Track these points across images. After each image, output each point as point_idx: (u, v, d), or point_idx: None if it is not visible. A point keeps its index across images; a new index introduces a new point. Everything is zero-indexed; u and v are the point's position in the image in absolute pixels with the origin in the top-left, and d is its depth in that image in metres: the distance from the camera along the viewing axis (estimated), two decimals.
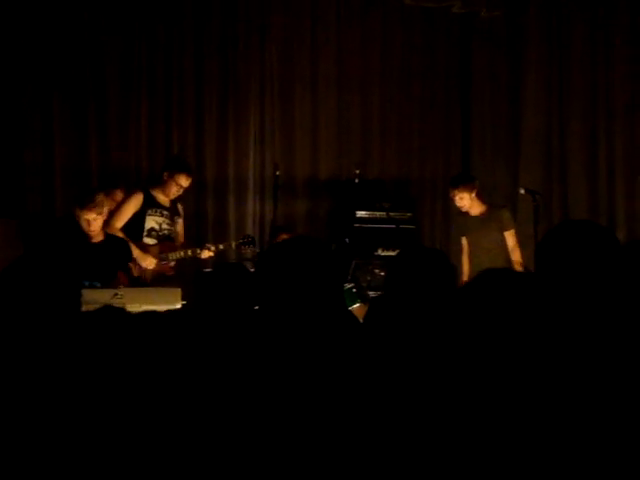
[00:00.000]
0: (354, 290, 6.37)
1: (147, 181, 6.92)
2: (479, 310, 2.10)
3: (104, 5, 7.30)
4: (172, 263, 6.45)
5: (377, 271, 7.09)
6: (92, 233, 5.90)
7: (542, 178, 8.37)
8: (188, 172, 6.41)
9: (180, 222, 6.65)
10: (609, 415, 1.98)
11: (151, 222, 6.41)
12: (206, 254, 6.47)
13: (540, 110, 8.47)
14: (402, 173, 8.24)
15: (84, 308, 2.55)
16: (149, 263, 6.31)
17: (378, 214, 7.58)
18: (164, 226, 6.45)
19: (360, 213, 7.58)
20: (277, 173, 7.38)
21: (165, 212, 6.46)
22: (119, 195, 6.57)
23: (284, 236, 6.93)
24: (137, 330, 1.90)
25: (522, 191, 7.28)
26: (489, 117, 8.47)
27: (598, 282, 2.21)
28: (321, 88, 8.03)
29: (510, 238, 6.76)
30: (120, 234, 6.23)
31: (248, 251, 6.75)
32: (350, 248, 7.30)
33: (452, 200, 6.86)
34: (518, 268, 6.56)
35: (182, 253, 6.43)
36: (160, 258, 6.35)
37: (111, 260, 5.94)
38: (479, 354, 2.08)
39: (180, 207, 6.68)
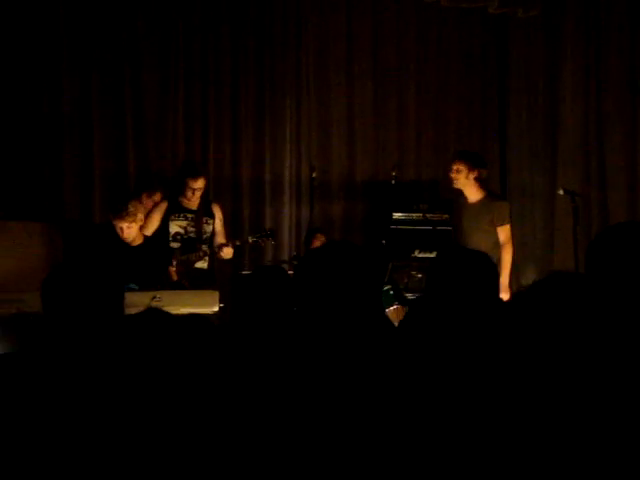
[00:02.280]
0: (391, 292, 6.36)
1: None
2: (525, 317, 2.07)
3: (142, 10, 7.36)
4: (200, 264, 6.54)
5: (414, 273, 7.06)
6: (127, 240, 6.01)
7: (580, 178, 8.28)
8: (192, 175, 6.52)
9: (216, 223, 6.72)
10: None
11: (175, 227, 6.58)
12: (226, 252, 6.52)
13: (578, 111, 8.38)
14: (439, 174, 8.21)
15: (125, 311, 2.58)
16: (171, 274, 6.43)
17: (415, 216, 7.55)
18: (190, 229, 6.60)
19: (397, 215, 7.56)
20: (313, 175, 7.39)
21: (190, 215, 6.60)
22: (158, 196, 6.68)
23: (320, 237, 6.95)
24: (182, 333, 1.91)
25: (561, 192, 7.17)
26: (526, 118, 8.40)
27: None
28: (357, 90, 8.03)
29: (502, 233, 6.35)
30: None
31: (267, 243, 6.77)
32: (387, 250, 7.28)
33: (449, 172, 6.47)
34: (504, 270, 6.17)
35: (201, 253, 6.55)
36: (179, 261, 6.45)
37: (149, 263, 6.03)
38: (524, 361, 2.05)
39: (216, 208, 6.78)
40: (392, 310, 6.18)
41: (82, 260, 5.69)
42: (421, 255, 7.35)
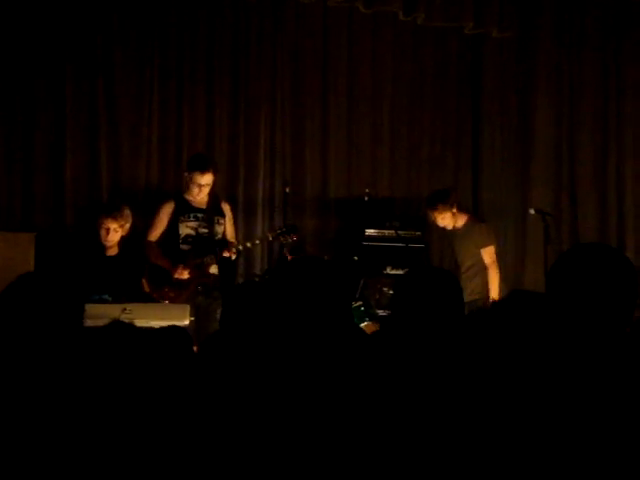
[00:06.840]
0: (362, 308, 6.37)
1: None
2: (485, 334, 2.10)
3: (119, 35, 7.39)
4: (213, 268, 6.26)
5: (385, 289, 7.09)
6: (108, 243, 5.89)
7: (552, 198, 8.35)
8: (200, 169, 6.17)
9: (226, 222, 6.40)
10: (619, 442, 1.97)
11: (185, 229, 6.20)
12: (226, 255, 6.22)
13: (550, 130, 8.47)
14: (412, 192, 8.24)
15: (93, 323, 2.56)
16: (180, 273, 6.13)
17: (387, 232, 7.58)
18: (201, 230, 6.22)
19: (369, 231, 7.59)
20: (287, 190, 7.39)
21: (200, 215, 6.23)
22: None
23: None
24: (144, 346, 1.90)
25: (532, 211, 7.26)
26: (499, 136, 8.47)
27: (611, 307, 2.20)
28: (331, 107, 8.05)
29: (485, 255, 6.68)
30: (154, 245, 6.18)
31: (289, 240, 6.42)
32: (359, 266, 7.30)
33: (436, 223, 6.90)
34: (491, 291, 6.54)
35: (217, 255, 6.20)
36: (195, 264, 6.17)
37: (124, 274, 5.94)
38: (485, 379, 2.07)
39: (226, 207, 6.49)
40: (365, 326, 6.19)
41: (46, 270, 5.58)
42: (393, 272, 7.38)
